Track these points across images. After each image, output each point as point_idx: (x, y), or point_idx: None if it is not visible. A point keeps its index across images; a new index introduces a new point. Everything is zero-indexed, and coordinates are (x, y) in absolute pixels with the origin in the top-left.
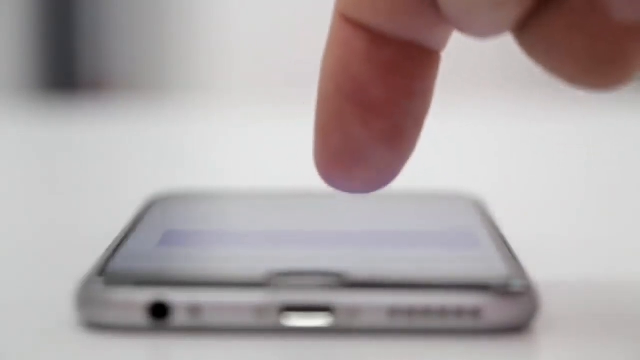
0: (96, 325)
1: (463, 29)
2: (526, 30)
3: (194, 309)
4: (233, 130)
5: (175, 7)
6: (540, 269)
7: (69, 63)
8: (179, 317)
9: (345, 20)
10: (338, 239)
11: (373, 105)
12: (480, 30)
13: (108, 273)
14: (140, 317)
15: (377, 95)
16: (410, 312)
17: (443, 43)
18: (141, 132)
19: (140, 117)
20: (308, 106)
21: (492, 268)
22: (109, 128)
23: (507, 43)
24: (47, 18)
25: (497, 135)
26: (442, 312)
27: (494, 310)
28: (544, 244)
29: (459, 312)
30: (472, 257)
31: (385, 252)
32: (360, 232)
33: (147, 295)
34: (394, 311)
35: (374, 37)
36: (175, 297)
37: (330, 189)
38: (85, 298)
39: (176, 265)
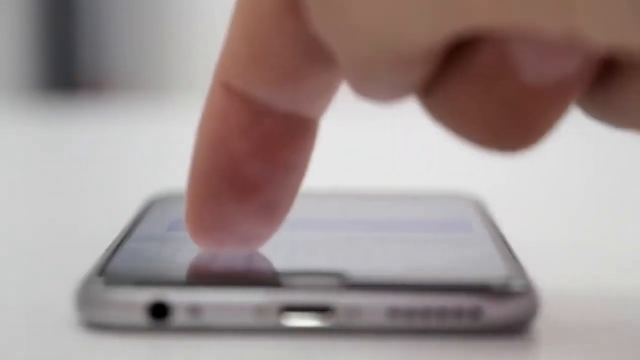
0: (96, 325)
1: (364, 95)
2: (430, 94)
3: (194, 309)
4: None
5: (175, 7)
6: (540, 269)
7: (69, 63)
8: (179, 317)
9: (226, 90)
10: (338, 239)
11: (248, 183)
12: (382, 95)
13: (108, 273)
14: (140, 317)
15: (253, 172)
16: (410, 312)
17: (323, 111)
18: (141, 132)
19: (140, 117)
20: None
21: (492, 268)
22: (109, 128)
23: None
24: (47, 18)
25: None
26: (442, 312)
27: (494, 310)
28: (544, 244)
29: (459, 312)
30: (472, 257)
31: (385, 252)
32: (361, 232)
33: (147, 295)
34: (394, 311)
35: (255, 109)
36: (175, 297)
37: (331, 189)
38: (85, 298)
39: (176, 265)
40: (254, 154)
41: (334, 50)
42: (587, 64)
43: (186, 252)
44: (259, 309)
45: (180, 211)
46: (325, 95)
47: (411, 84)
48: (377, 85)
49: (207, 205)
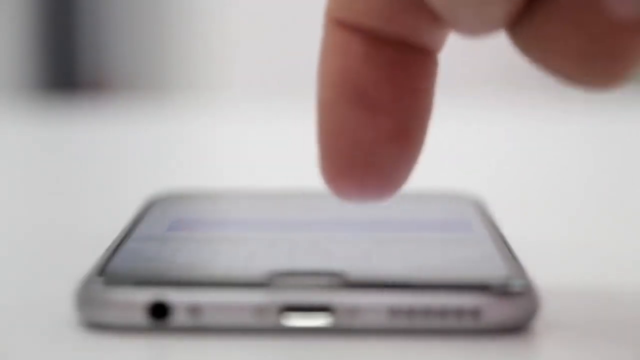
0: (96, 325)
1: (455, 27)
2: (520, 28)
3: (194, 309)
4: (233, 130)
5: (175, 7)
6: (540, 269)
7: (69, 63)
8: (179, 317)
9: (339, 24)
10: (338, 239)
11: (378, 106)
12: (471, 27)
13: (108, 273)
14: (140, 317)
15: (381, 95)
16: (410, 312)
17: (440, 43)
18: (141, 132)
19: (140, 117)
20: (308, 106)
21: (492, 268)
22: (109, 128)
23: (508, 43)
24: (47, 18)
25: (497, 135)
26: (442, 312)
27: (494, 310)
28: (544, 244)
29: (459, 312)
30: (472, 257)
31: (386, 252)
32: (361, 232)
33: (147, 295)
34: (394, 311)
35: (371, 38)
36: (175, 297)
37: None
38: (85, 298)
39: (176, 265)
40: (378, 79)
41: None
42: None
43: (186, 252)
44: (259, 309)
45: (180, 211)
46: (436, 27)
47: (500, 17)
48: (467, 18)
49: (339, 136)
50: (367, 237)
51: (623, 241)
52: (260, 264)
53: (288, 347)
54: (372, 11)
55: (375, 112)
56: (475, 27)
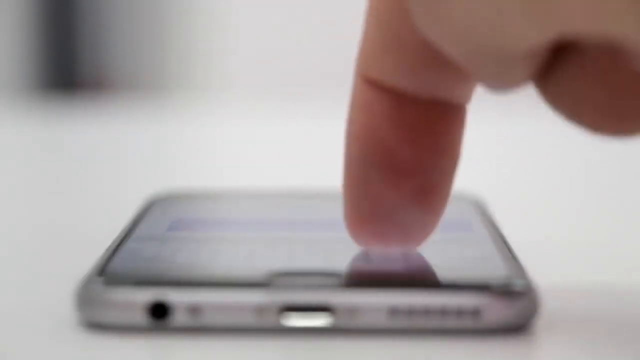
0: (96, 325)
1: (481, 84)
2: (546, 82)
3: (194, 309)
4: (233, 130)
5: (175, 7)
6: (540, 269)
7: (69, 63)
8: (179, 317)
9: (368, 82)
10: (338, 239)
11: (401, 168)
12: (496, 85)
13: (108, 273)
14: (140, 317)
15: (404, 157)
16: (410, 312)
17: (468, 97)
18: (141, 132)
19: (140, 117)
20: (308, 106)
21: (492, 268)
22: (109, 128)
23: None
24: (47, 18)
25: (498, 135)
26: (442, 312)
27: (494, 310)
28: (544, 244)
29: (459, 312)
30: (472, 257)
31: (385, 252)
32: None
33: (147, 295)
34: (394, 311)
35: (398, 98)
36: (175, 297)
37: (332, 189)
38: (85, 298)
39: (176, 265)
40: (402, 140)
41: (438, 44)
42: None
43: (186, 252)
44: (259, 309)
45: (180, 211)
46: (465, 80)
47: (524, 74)
48: (491, 80)
49: (361, 195)
50: None
51: (623, 241)
52: (260, 264)
53: (288, 347)
54: (400, 69)
55: (398, 174)
56: (501, 86)
